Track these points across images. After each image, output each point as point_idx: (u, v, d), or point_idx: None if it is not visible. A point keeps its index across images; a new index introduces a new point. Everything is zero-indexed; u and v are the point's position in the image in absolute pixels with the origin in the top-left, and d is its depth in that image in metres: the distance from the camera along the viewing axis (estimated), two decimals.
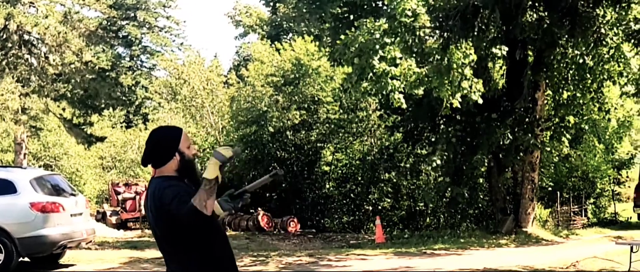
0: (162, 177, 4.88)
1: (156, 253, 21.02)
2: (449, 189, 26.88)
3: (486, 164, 27.11)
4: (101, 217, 32.74)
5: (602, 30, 21.61)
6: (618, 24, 23.51)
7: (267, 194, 32.10)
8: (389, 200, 32.32)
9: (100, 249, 22.87)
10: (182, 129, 5.12)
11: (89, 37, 34.68)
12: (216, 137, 36.06)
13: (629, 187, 36.10)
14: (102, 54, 59.38)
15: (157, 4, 67.84)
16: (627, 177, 36.29)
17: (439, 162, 26.33)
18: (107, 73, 62.18)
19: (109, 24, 63.34)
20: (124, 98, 62.81)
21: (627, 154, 36.33)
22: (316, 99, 31.50)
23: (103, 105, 54.72)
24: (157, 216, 4.78)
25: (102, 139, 42.44)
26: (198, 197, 4.55)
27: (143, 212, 32.05)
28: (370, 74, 21.01)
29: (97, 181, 45.23)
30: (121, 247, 23.71)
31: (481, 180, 28.99)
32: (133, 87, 63.40)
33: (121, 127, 55.59)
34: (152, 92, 50.84)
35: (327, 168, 33.47)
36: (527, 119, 25.82)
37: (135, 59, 67.50)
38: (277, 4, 27.18)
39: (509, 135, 25.19)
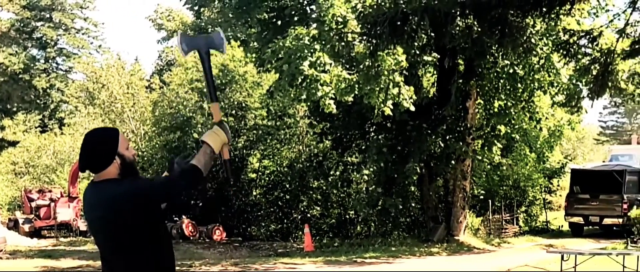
0: (110, 181, 4.82)
1: (72, 263, 21.30)
2: (381, 197, 27.57)
3: (418, 172, 27.87)
4: (13, 225, 32.67)
5: (532, 41, 22.49)
6: (547, 35, 24.59)
7: (192, 202, 32.35)
8: (318, 208, 32.69)
9: (11, 258, 22.87)
10: (118, 130, 5.06)
11: (1, 39, 34.59)
12: (137, 143, 36.10)
13: (560, 196, 37.31)
14: (15, 57, 58.97)
15: (74, 5, 67.32)
16: (558, 186, 37.46)
17: (370, 170, 27.05)
18: (20, 76, 61.85)
19: (22, 25, 62.90)
20: (38, 101, 62.49)
21: (558, 163, 37.48)
22: (243, 105, 31.81)
23: (15, 109, 54.44)
24: (116, 219, 4.70)
25: (14, 144, 42.11)
26: (203, 161, 4.93)
27: (58, 220, 32.13)
28: (300, 81, 21.55)
29: (9, 187, 44.67)
30: (34, 256, 23.71)
31: (413, 188, 29.62)
32: (48, 91, 62.89)
33: (35, 131, 55.06)
34: (69, 95, 50.50)
35: (253, 175, 33.78)
36: (458, 128, 26.65)
37: (50, 61, 66.80)
38: (202, 9, 27.43)
39: (441, 143, 25.99)
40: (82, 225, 31.34)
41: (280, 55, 21.91)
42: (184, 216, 29.95)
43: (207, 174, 5.02)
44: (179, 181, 4.93)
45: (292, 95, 22.50)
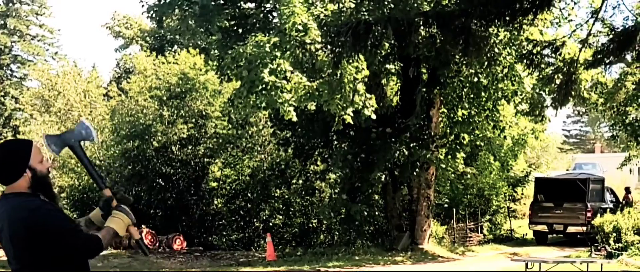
0: (21, 195, 4.76)
1: None
2: (345, 205, 27.81)
3: (383, 181, 28.10)
4: None
5: (496, 50, 22.94)
6: (511, 44, 25.00)
7: (152, 211, 32.31)
8: (280, 217, 32.73)
9: None
10: (32, 143, 4.95)
11: None
12: (94, 151, 35.97)
13: (525, 204, 37.68)
14: None
15: (29, 12, 66.74)
16: (523, 194, 37.87)
17: (336, 175, 27.27)
18: None
19: None
20: None
21: (522, 171, 37.86)
22: (204, 113, 31.83)
23: None
24: (27, 238, 4.67)
25: None
26: (107, 238, 4.87)
27: None
28: (260, 88, 21.72)
29: None
30: None
31: (377, 197, 29.83)
32: (2, 98, 62.41)
33: None
34: (24, 103, 50.12)
35: (215, 184, 33.73)
36: (422, 136, 26.94)
37: (4, 68, 66.27)
38: (163, 17, 27.51)
39: (405, 151, 26.25)
40: None
41: (240, 62, 22.04)
42: (143, 226, 29.86)
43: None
44: (82, 245, 4.79)
45: (251, 102, 22.66)
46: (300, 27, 21.56)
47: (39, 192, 4.81)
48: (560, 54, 21.68)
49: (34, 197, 4.77)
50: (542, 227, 32.08)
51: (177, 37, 40.54)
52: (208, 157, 32.35)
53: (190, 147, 31.93)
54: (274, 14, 25.60)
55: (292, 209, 32.51)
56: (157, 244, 29.25)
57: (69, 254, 4.73)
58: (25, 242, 4.65)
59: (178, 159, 31.97)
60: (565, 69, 21.27)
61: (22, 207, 4.67)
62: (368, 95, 23.17)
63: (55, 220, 4.73)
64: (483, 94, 27.62)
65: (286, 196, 32.21)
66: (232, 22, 26.16)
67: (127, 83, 37.82)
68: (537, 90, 27.92)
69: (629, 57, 21.47)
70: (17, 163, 4.77)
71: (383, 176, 26.35)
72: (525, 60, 21.18)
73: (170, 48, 45.74)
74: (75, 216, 31.30)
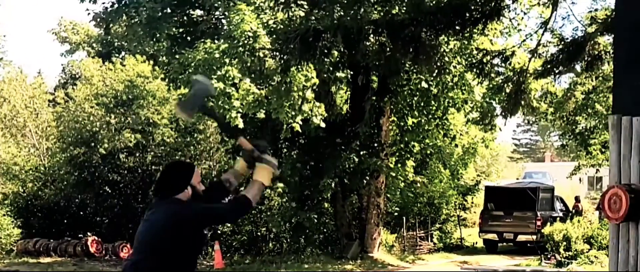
0: (180, 200, 5.91)
1: None
2: (295, 214, 27.70)
3: (332, 189, 28.05)
4: None
5: (446, 59, 22.98)
6: (461, 53, 25.09)
7: (98, 218, 32.01)
8: (229, 225, 32.63)
9: None
10: (195, 165, 6.29)
11: None
12: (40, 158, 35.58)
13: (475, 212, 37.79)
14: None
15: None
16: (473, 203, 38.03)
17: (282, 185, 27.17)
18: None
19: None
20: None
21: (472, 180, 38.03)
22: (151, 121, 31.64)
23: None
24: (166, 232, 5.75)
25: None
26: (254, 194, 6.03)
27: None
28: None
29: None
30: None
31: (326, 205, 29.79)
32: None
33: None
34: None
35: None
36: (372, 144, 26.96)
37: None
38: (110, 23, 27.28)
39: (355, 159, 26.25)
40: None
41: (189, 69, 21.93)
42: (89, 233, 29.58)
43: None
44: (229, 213, 6.20)
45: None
46: (249, 34, 21.49)
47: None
48: (510, 64, 21.80)
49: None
50: (493, 236, 32.17)
51: (125, 43, 40.17)
52: (155, 164, 32.10)
53: (137, 155, 31.72)
54: (224, 21, 25.46)
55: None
56: (104, 252, 28.93)
57: (220, 222, 6.71)
58: (169, 235, 5.74)
59: (125, 167, 31.75)
60: (515, 78, 21.35)
61: (174, 208, 5.84)
62: (317, 103, 23.15)
63: (198, 207, 5.93)
64: (433, 102, 27.71)
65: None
66: (181, 29, 26.01)
67: (73, 89, 37.41)
68: (487, 99, 28.05)
69: (578, 67, 21.62)
70: (181, 180, 5.96)
71: (333, 184, 26.28)
72: (475, 70, 21.25)
73: (117, 54, 45.29)
74: (19, 223, 30.98)
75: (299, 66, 20.71)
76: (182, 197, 5.91)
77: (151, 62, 32.73)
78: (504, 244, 32.76)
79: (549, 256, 26.07)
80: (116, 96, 32.12)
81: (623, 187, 8.81)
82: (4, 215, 30.95)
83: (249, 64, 22.09)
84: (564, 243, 25.75)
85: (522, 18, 26.32)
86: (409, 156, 29.32)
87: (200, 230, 5.95)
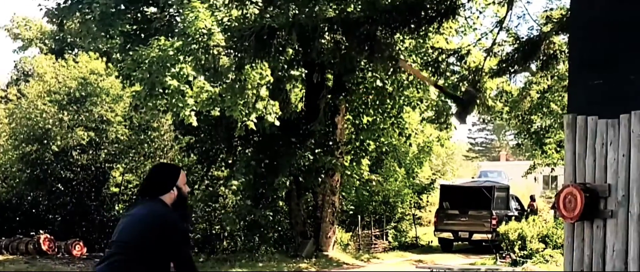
0: (164, 204, 6.05)
1: None
2: (250, 211, 27.57)
3: (287, 187, 27.98)
4: None
5: (401, 57, 22.97)
6: (416, 52, 25.10)
7: (51, 216, 31.67)
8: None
9: None
10: (180, 167, 6.52)
11: None
12: None
13: (430, 211, 37.87)
14: None
15: None
16: (428, 201, 38.11)
17: (239, 181, 27.04)
18: None
19: None
20: None
21: (428, 178, 38.13)
22: (105, 118, 31.38)
23: None
24: (150, 230, 5.86)
25: None
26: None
27: None
28: (162, 92, 21.46)
29: None
30: None
31: (281, 203, 29.72)
32: None
33: None
34: None
35: (116, 189, 33.31)
36: (327, 142, 26.91)
37: None
38: (63, 20, 26.96)
39: (310, 157, 26.19)
40: None
41: (142, 66, 21.73)
42: (41, 231, 29.21)
43: None
44: (185, 257, 6.07)
45: (150, 104, 22.41)
46: (204, 32, 21.34)
47: (177, 209, 6.11)
48: (465, 63, 21.83)
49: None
50: (448, 235, 32.25)
51: (78, 40, 39.77)
52: (109, 162, 31.88)
53: (90, 152, 31.44)
54: (178, 18, 25.24)
55: (194, 215, 32.11)
56: (56, 250, 28.60)
57: (174, 256, 5.92)
58: (151, 232, 5.83)
59: (78, 164, 31.44)
60: (470, 77, 21.39)
61: (171, 215, 5.97)
62: (272, 102, 23.09)
63: (182, 227, 6.05)
64: (388, 101, 27.73)
65: (189, 202, 31.74)
66: (134, 26, 25.76)
67: (25, 86, 36.98)
68: (443, 98, 28.08)
69: (533, 67, 21.67)
70: (167, 181, 6.13)
71: (287, 182, 26.21)
72: (430, 68, 21.25)
73: (70, 51, 44.84)
74: None
75: (254, 64, 20.64)
76: (167, 199, 6.07)
77: (105, 59, 32.45)
78: (459, 242, 32.88)
79: (504, 255, 26.16)
80: (69, 93, 31.81)
81: (578, 186, 8.79)
82: None
83: (203, 62, 21.93)
84: (519, 242, 25.86)
85: (478, 17, 26.44)
86: (364, 154, 29.34)
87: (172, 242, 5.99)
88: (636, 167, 8.42)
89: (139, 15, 25.71)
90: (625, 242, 8.53)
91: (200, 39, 21.32)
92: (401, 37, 21.06)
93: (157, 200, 6.05)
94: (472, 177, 48.49)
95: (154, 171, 6.47)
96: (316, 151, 26.58)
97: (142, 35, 25.37)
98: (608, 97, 9.02)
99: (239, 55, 19.30)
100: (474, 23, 26.41)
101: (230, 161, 28.52)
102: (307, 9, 19.30)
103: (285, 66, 24.40)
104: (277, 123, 23.40)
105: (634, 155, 8.42)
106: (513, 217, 30.31)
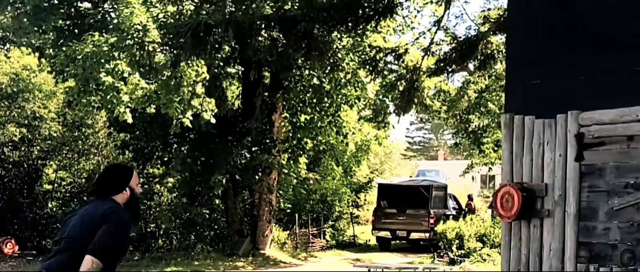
0: (119, 204, 6.11)
1: None
2: (186, 209, 27.37)
3: (224, 185, 27.81)
4: None
5: (339, 56, 22.91)
6: (354, 50, 25.05)
7: None
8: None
9: None
10: (133, 168, 6.76)
11: None
12: None
13: (368, 210, 37.92)
14: None
15: None
16: (366, 200, 38.15)
17: (175, 179, 26.82)
18: None
19: None
20: None
21: (365, 177, 38.17)
22: (37, 115, 30.91)
23: None
24: (97, 224, 5.87)
25: None
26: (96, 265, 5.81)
27: None
28: (97, 88, 21.22)
29: None
30: None
31: (218, 201, 29.55)
32: None
33: None
34: None
35: (49, 187, 32.84)
36: (264, 140, 26.80)
37: None
38: None
39: (246, 154, 26.07)
40: None
41: (76, 62, 21.42)
42: None
43: None
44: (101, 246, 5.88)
45: (84, 101, 22.15)
46: (139, 28, 21.07)
47: (129, 209, 6.20)
48: (403, 61, 21.84)
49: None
50: (385, 234, 32.26)
51: (10, 34, 39.18)
52: (42, 159, 31.38)
53: (23, 149, 30.92)
54: (113, 14, 24.94)
55: None
56: None
57: (93, 240, 5.82)
58: (97, 226, 5.85)
59: (10, 161, 30.89)
60: (408, 76, 21.43)
61: (121, 215, 6.01)
62: (207, 99, 22.93)
63: (120, 223, 5.99)
64: (326, 99, 27.68)
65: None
66: (68, 22, 25.42)
67: None
68: (380, 97, 28.09)
69: (471, 66, 21.79)
70: (120, 182, 6.22)
71: (224, 180, 26.03)
72: (368, 67, 21.28)
73: (2, 46, 44.14)
74: None
75: (190, 61, 20.47)
76: (120, 199, 6.16)
77: (37, 54, 31.92)
78: (397, 241, 32.92)
79: (441, 254, 26.26)
80: (0, 89, 31.26)
81: (515, 186, 8.82)
82: None
83: (138, 58, 21.65)
84: (457, 241, 25.99)
85: (416, 16, 26.47)
86: (301, 152, 29.25)
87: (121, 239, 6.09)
88: (573, 167, 8.43)
89: (72, 10, 25.42)
90: (562, 241, 8.56)
91: (135, 35, 21.08)
92: (339, 36, 21.00)
93: (110, 199, 6.12)
94: (410, 176, 48.62)
95: (107, 172, 6.58)
96: (253, 148, 26.45)
97: (76, 30, 25.09)
98: (545, 97, 9.03)
99: (175, 52, 19.09)
100: (411, 22, 26.44)
101: (165, 159, 28.28)
102: (243, 6, 19.16)
103: (222, 63, 24.26)
104: (213, 121, 23.26)
105: (571, 155, 8.43)
106: (451, 216, 30.42)
